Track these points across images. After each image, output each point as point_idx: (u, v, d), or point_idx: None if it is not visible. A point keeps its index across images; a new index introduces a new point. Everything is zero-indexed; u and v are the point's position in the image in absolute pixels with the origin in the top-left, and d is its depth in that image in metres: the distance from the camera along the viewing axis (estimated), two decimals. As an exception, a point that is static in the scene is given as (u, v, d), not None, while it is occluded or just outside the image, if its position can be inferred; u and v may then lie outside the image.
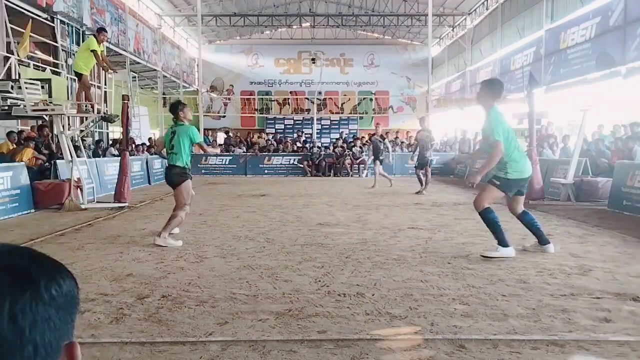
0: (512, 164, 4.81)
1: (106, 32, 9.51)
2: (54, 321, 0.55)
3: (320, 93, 24.98)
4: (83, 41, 13.31)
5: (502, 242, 4.79)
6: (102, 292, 3.69)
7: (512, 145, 4.80)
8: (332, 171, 18.18)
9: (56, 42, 12.13)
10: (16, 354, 0.50)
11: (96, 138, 14.59)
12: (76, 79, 9.35)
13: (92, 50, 8.65)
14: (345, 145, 18.74)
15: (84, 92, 9.02)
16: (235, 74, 26.67)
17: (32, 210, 8.19)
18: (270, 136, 21.81)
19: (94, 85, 11.69)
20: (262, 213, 8.12)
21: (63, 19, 12.34)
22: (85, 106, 9.06)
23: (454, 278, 4.10)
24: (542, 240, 5.02)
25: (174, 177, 5.62)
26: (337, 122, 26.36)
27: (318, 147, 18.60)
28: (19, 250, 0.58)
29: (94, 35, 8.98)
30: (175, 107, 5.71)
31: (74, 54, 12.87)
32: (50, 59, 12.13)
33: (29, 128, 11.79)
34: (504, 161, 4.79)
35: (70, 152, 8.63)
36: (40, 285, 0.54)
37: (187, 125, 5.69)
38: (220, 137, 24.66)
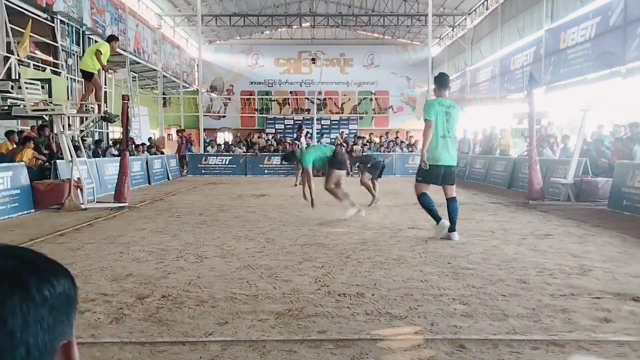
0: None
1: (118, 40, 9.61)
2: (48, 322, 0.54)
3: (320, 93, 24.96)
4: (83, 41, 13.35)
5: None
6: (102, 292, 3.69)
7: None
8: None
9: (56, 42, 12.12)
10: (7, 357, 0.50)
11: (96, 138, 14.59)
12: (83, 78, 9.34)
13: (97, 50, 8.66)
14: (345, 145, 18.74)
15: (94, 92, 9.02)
16: (235, 74, 26.66)
17: (32, 210, 8.19)
18: (270, 136, 21.80)
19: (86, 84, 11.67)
20: (262, 213, 8.12)
21: (63, 19, 12.33)
22: (86, 106, 9.06)
23: (454, 278, 4.10)
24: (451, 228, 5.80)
25: None
26: (337, 122, 26.36)
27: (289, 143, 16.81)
28: (10, 250, 0.57)
29: (107, 40, 9.07)
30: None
31: (74, 54, 12.89)
32: (50, 59, 12.13)
33: (29, 128, 11.79)
34: None
35: (70, 152, 8.63)
36: (31, 286, 0.53)
37: None
38: (220, 138, 24.67)
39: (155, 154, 16.37)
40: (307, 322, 3.09)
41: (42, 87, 8.65)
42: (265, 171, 18.03)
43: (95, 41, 13.57)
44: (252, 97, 26.35)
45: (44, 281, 0.55)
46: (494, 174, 13.91)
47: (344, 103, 26.89)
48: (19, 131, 10.56)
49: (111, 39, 9.22)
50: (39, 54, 12.09)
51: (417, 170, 5.94)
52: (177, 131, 20.74)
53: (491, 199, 10.36)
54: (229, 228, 6.63)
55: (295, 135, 19.76)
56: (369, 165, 8.97)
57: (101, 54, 8.62)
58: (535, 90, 10.35)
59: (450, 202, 5.79)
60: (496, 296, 3.60)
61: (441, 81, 5.92)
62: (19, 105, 8.32)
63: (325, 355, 2.62)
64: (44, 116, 9.51)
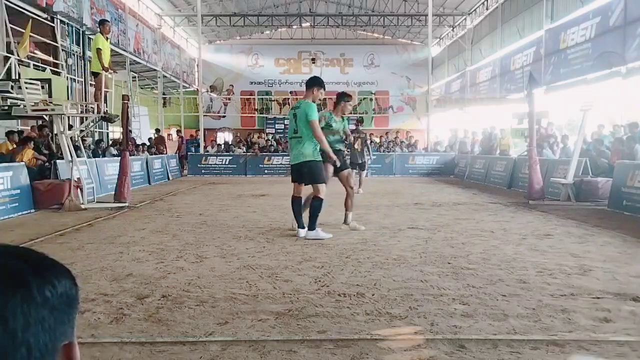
0: None
1: (108, 22, 9.54)
2: (49, 322, 0.54)
3: (320, 93, 24.95)
4: (83, 41, 13.35)
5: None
6: (102, 292, 3.69)
7: None
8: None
9: (56, 42, 12.12)
10: (9, 357, 0.50)
11: (96, 138, 14.59)
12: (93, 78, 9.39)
13: (97, 49, 8.68)
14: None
15: (94, 92, 9.05)
16: (235, 74, 26.66)
17: (32, 210, 8.19)
18: (270, 136, 21.80)
19: (93, 85, 11.69)
20: (262, 213, 8.11)
21: (63, 19, 12.34)
22: (86, 106, 9.07)
23: (454, 278, 4.10)
24: (300, 225, 6.01)
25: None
26: (337, 122, 26.35)
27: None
28: (12, 250, 0.57)
29: (100, 31, 9.03)
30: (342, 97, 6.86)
31: (74, 54, 12.90)
32: (50, 59, 12.13)
33: (29, 128, 11.79)
34: None
35: (70, 152, 8.63)
36: (32, 286, 0.53)
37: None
38: (220, 138, 24.64)
39: (155, 154, 16.38)
40: (307, 322, 3.09)
41: (42, 87, 8.65)
42: (265, 171, 18.03)
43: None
44: (252, 97, 26.35)
45: (46, 281, 0.55)
46: (494, 174, 13.91)
47: (344, 103, 26.86)
48: (19, 131, 10.56)
49: (100, 23, 9.20)
50: (39, 54, 12.08)
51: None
52: (156, 130, 20.00)
53: (491, 199, 10.36)
54: (229, 228, 6.63)
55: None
56: None
57: (101, 50, 8.63)
58: (535, 90, 10.35)
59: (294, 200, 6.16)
60: (496, 296, 3.60)
61: (306, 84, 6.31)
62: (19, 105, 8.32)
63: (325, 355, 2.62)
64: (44, 116, 9.51)
